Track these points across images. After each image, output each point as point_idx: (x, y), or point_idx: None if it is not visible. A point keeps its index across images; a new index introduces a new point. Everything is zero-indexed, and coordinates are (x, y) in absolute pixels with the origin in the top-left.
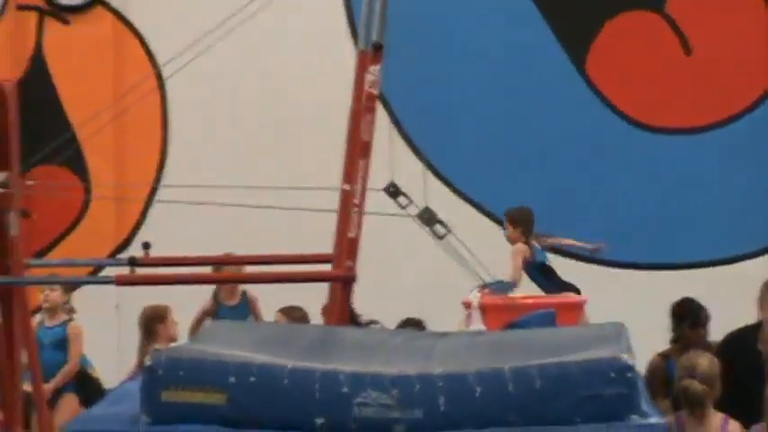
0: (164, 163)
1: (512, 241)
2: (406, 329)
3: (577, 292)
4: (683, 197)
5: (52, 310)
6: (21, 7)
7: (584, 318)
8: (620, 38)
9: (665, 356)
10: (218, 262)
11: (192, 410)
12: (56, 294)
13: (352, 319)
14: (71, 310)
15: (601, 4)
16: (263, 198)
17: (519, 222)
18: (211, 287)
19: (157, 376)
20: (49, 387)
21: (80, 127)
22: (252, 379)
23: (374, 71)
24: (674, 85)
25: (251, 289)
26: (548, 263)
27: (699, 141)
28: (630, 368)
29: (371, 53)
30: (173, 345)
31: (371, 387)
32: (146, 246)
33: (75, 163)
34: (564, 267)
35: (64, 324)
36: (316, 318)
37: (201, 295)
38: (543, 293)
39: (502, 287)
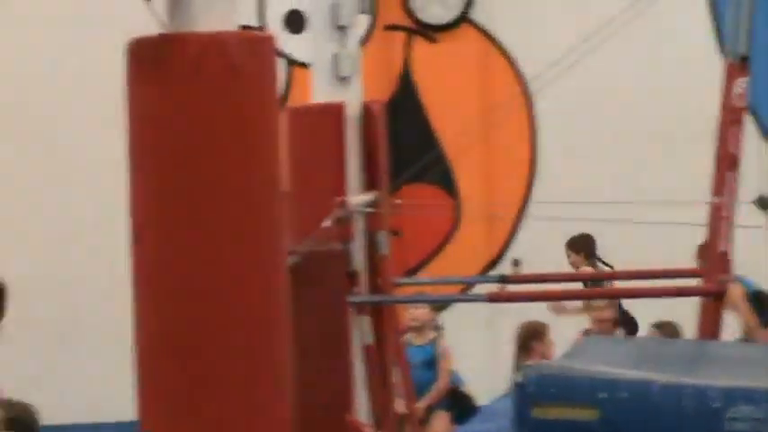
0: (533, 179)
1: (575, 266)
2: None
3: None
4: None
5: (419, 329)
6: (388, 27)
7: None
8: None
9: None
10: (588, 278)
11: (562, 427)
12: (421, 312)
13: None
14: (438, 328)
15: None
16: (633, 213)
17: (581, 248)
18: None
19: (528, 393)
20: (420, 405)
21: (448, 145)
22: (623, 395)
23: (741, 83)
24: None
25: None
26: None
27: None
28: None
29: (738, 65)
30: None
31: (743, 402)
32: (516, 263)
33: (445, 181)
34: None
35: (432, 342)
36: (689, 332)
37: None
38: None
39: None
